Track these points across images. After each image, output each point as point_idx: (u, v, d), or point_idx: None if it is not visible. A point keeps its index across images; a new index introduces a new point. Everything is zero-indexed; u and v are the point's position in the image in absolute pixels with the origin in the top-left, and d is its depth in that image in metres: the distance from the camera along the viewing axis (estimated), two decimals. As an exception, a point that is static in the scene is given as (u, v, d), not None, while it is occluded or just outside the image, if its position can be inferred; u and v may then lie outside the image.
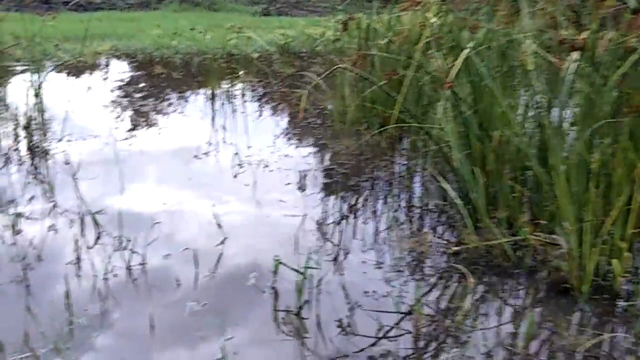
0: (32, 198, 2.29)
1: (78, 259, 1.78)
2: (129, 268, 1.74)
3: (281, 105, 4.14)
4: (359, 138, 3.30)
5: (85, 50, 6.00)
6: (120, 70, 5.39)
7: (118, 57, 6.13)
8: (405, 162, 2.89)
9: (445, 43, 2.42)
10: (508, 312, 1.61)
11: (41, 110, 3.22)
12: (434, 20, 2.02)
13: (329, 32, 6.35)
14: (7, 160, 2.73)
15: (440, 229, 2.13)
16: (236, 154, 2.91)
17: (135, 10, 11.97)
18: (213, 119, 3.71)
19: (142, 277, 1.70)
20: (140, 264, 1.76)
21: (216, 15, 10.51)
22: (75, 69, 5.28)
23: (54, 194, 2.33)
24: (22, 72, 4.85)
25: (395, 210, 2.28)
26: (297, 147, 3.13)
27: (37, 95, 3.16)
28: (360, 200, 2.41)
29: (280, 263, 1.68)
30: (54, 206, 2.21)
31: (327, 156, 2.99)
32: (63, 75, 5.01)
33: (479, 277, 1.76)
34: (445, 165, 2.30)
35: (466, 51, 1.76)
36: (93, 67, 5.44)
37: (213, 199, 2.32)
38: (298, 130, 3.49)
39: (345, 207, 2.32)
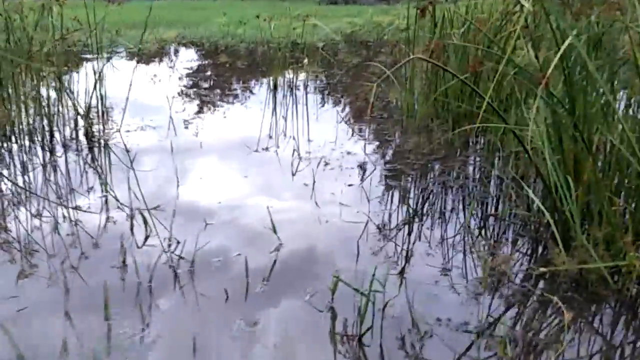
0: (86, 190, 2.20)
1: (124, 261, 1.65)
2: (176, 274, 1.60)
3: (345, 97, 3.93)
4: (429, 135, 3.05)
5: (150, 37, 6.01)
6: (185, 58, 5.34)
7: (184, 45, 6.10)
8: (483, 164, 2.62)
9: (536, 32, 2.14)
10: (607, 352, 1.35)
11: (102, 99, 3.16)
12: (527, 5, 1.74)
13: (398, 21, 6.08)
14: (66, 150, 2.67)
15: (524, 245, 1.87)
16: (296, 149, 2.74)
17: (204, -1, 12.07)
18: (274, 110, 3.55)
19: (189, 286, 1.55)
20: (189, 270, 1.61)
21: (283, 4, 10.38)
22: (140, 56, 5.27)
23: (108, 187, 2.23)
24: (86, 59, 4.87)
25: (471, 220, 2.04)
26: (360, 143, 2.92)
27: (98, 83, 3.09)
28: (430, 206, 2.18)
29: (340, 280, 1.49)
30: (106, 200, 2.10)
31: (394, 154, 2.76)
32: (128, 62, 5.01)
33: (571, 306, 1.51)
34: (531, 170, 2.03)
35: (567, 41, 1.49)
36: (158, 55, 5.42)
37: (269, 199, 2.15)
38: (363, 124, 3.28)
39: (412, 214, 2.09)
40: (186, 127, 3.11)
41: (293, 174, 2.43)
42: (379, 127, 3.23)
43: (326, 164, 2.55)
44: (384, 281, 1.52)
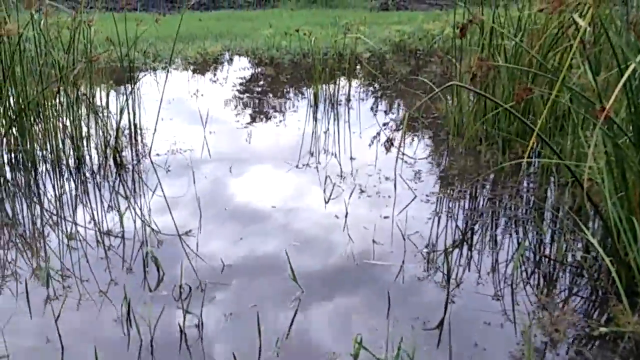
0: (109, 218, 2.11)
1: (128, 311, 1.52)
2: (181, 330, 1.46)
3: (390, 113, 3.73)
4: (477, 158, 2.81)
5: (192, 52, 5.99)
6: (228, 72, 5.27)
7: (229, 59, 6.05)
8: (535, 194, 2.37)
9: (595, 46, 1.89)
10: None
11: (134, 119, 3.09)
12: (582, 24, 1.51)
13: (448, 29, 5.82)
14: (94, 175, 2.60)
15: (581, 297, 1.63)
16: (330, 173, 2.57)
17: (254, 9, 12.10)
18: (314, 128, 3.39)
19: (197, 346, 1.41)
20: (196, 326, 1.47)
21: (332, 12, 10.25)
22: (184, 71, 5.25)
23: (130, 217, 2.13)
24: (123, 76, 4.87)
25: (521, 261, 1.81)
26: (402, 165, 2.71)
27: (130, 102, 3.02)
28: (476, 243, 1.96)
29: (363, 347, 1.30)
30: (123, 234, 2.00)
31: (438, 179, 2.55)
32: (170, 76, 4.98)
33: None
34: (590, 207, 1.79)
35: (631, 67, 1.26)
36: (201, 69, 5.38)
37: (296, 235, 1.99)
38: (406, 143, 3.08)
39: (456, 253, 1.88)
40: (220, 149, 2.99)
41: (326, 202, 2.26)
42: (424, 147, 3.02)
43: (362, 191, 2.37)
44: (412, 349, 1.33)
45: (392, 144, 1.80)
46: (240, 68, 5.51)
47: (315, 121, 3.57)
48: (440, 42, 6.53)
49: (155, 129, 3.03)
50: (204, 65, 5.62)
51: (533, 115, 2.80)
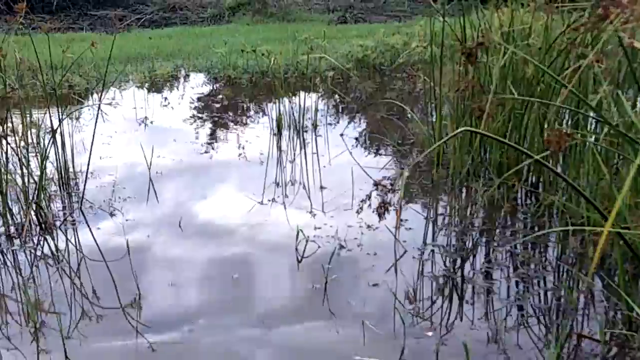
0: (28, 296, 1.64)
1: None
2: None
3: (360, 139, 3.35)
4: (468, 194, 2.45)
5: (138, 75, 5.50)
6: (181, 96, 4.80)
7: (178, 81, 5.57)
8: (544, 242, 2.01)
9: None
10: None
11: (64, 162, 2.60)
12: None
13: (415, 43, 5.51)
14: (9, 240, 2.11)
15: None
16: (300, 224, 2.15)
17: (207, 25, 11.63)
18: (279, 163, 2.98)
19: None
20: None
21: (290, 26, 9.89)
22: (128, 97, 4.75)
23: (42, 304, 1.67)
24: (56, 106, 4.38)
25: (543, 342, 1.44)
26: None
27: (55, 141, 2.54)
28: (480, 314, 1.58)
29: None
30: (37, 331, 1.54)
31: (425, 226, 2.17)
32: (115, 103, 4.49)
33: None
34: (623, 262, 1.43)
35: None
36: (150, 94, 4.89)
37: (263, 317, 1.57)
38: (383, 179, 2.70)
39: (459, 331, 1.49)
40: (168, 192, 2.55)
41: (297, 269, 1.85)
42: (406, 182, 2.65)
43: (341, 246, 1.96)
44: None
45: (386, 210, 1.41)
46: (193, 91, 5.06)
47: (280, 151, 3.15)
48: (404, 57, 6.23)
49: (87, 174, 2.55)
50: (152, 88, 5.14)
51: (522, 137, 2.44)
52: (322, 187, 2.56)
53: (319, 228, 2.11)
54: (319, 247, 1.96)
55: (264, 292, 1.71)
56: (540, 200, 2.27)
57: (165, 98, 4.71)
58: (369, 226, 2.13)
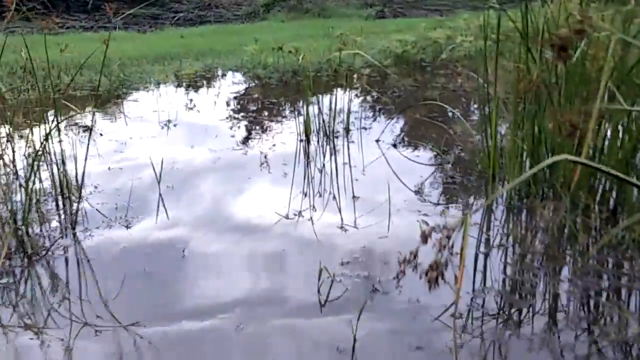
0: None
1: None
2: None
3: (400, 148, 2.96)
4: (531, 214, 2.03)
5: (160, 75, 5.21)
6: (202, 99, 4.48)
7: (207, 81, 5.27)
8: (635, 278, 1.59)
9: None
10: None
11: (63, 175, 2.30)
12: None
13: (461, 37, 5.05)
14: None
15: None
16: (325, 257, 1.78)
17: (242, 22, 11.36)
18: (305, 175, 2.62)
19: None
20: None
21: (325, 22, 9.52)
22: (151, 98, 4.47)
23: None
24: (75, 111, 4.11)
25: None
26: (423, 229, 1.93)
27: (52, 151, 2.23)
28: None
29: None
30: None
31: (475, 260, 1.76)
32: (133, 106, 4.20)
33: None
34: None
35: None
36: (174, 96, 4.60)
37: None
38: (427, 191, 2.30)
39: None
40: (180, 210, 2.21)
41: (321, 304, 1.48)
42: (450, 192, 2.24)
43: (375, 289, 1.58)
44: None
45: (439, 276, 1.03)
46: (219, 92, 4.74)
47: (307, 160, 2.79)
48: (447, 53, 5.77)
49: (81, 190, 2.23)
50: (177, 89, 4.85)
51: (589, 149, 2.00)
52: (354, 208, 2.18)
53: (347, 263, 1.74)
54: (346, 289, 1.58)
55: (276, 342, 1.35)
56: (620, 225, 1.84)
57: (191, 100, 4.40)
58: (409, 261, 1.74)
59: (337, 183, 2.46)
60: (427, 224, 1.97)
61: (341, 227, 2.00)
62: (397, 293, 1.56)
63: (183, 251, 1.86)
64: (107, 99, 4.45)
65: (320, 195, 2.33)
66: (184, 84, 5.04)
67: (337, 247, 1.86)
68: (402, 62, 5.74)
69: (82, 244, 1.95)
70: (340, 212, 2.14)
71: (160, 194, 2.36)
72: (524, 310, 1.48)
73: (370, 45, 6.40)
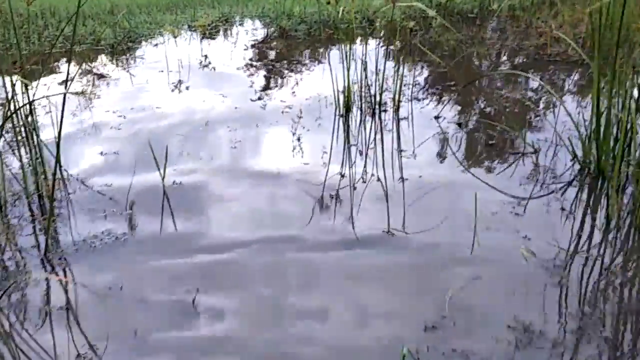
0: None
1: None
2: None
3: (469, 131, 2.35)
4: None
5: (170, 28, 4.56)
6: (216, 56, 3.85)
7: (224, 33, 4.63)
8: None
9: None
10: None
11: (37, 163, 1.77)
12: None
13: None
14: None
15: None
16: (371, 301, 1.24)
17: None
18: (345, 149, 2.05)
19: None
20: None
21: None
22: (160, 55, 3.86)
23: None
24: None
25: None
26: (493, 235, 1.38)
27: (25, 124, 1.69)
28: None
29: None
30: None
31: (566, 275, 1.21)
32: (140, 63, 3.61)
33: None
34: None
35: None
36: (186, 52, 3.98)
37: None
38: (494, 174, 1.73)
39: None
40: (187, 220, 1.67)
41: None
42: (550, 208, 1.67)
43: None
44: None
45: None
46: (237, 45, 4.11)
47: (347, 143, 2.21)
48: (497, 2, 5.03)
49: (52, 190, 1.70)
50: (190, 43, 4.23)
51: None
52: (412, 218, 1.62)
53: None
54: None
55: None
56: None
57: (205, 57, 3.79)
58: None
59: (385, 183, 1.89)
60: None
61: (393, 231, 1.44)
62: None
63: (193, 300, 1.33)
64: (112, 53, 3.86)
65: (355, 200, 1.76)
66: (197, 36, 4.41)
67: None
68: (445, 12, 5.02)
69: (51, 262, 1.42)
70: (404, 229, 1.58)
71: (163, 190, 1.82)
72: None
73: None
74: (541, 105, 2.47)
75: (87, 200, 1.79)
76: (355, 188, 1.83)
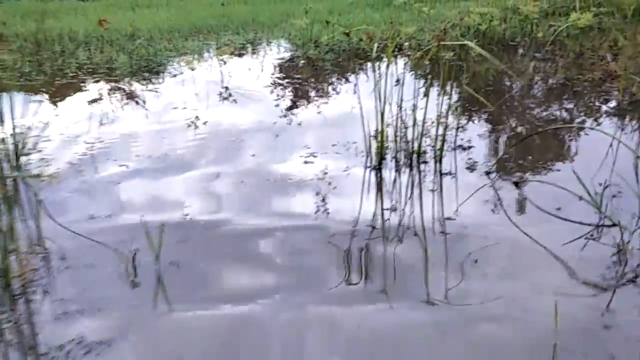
0: None
1: None
2: None
3: (528, 190, 1.98)
4: None
5: (189, 59, 4.29)
6: (234, 93, 3.54)
7: (243, 64, 4.34)
8: None
9: None
10: None
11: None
12: None
13: (575, 14, 3.95)
14: None
15: None
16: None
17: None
18: (378, 209, 1.70)
19: None
20: None
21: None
22: (177, 88, 3.58)
23: None
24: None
25: None
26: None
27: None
28: None
29: None
30: None
31: None
32: (153, 99, 3.34)
33: None
34: None
35: None
36: (205, 83, 3.69)
37: None
38: (563, 250, 1.36)
39: None
40: (181, 292, 1.35)
41: None
42: (602, 275, 1.30)
43: None
44: None
45: None
46: (260, 75, 3.82)
47: (380, 200, 1.86)
48: (542, 30, 4.66)
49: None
50: (210, 75, 3.95)
51: None
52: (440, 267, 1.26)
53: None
54: None
55: None
56: None
57: (226, 88, 3.50)
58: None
59: (424, 250, 1.53)
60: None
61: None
62: None
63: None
64: (117, 87, 3.60)
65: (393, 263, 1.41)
66: (218, 67, 4.13)
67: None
68: (484, 39, 4.67)
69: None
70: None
71: (158, 264, 1.49)
72: None
73: (437, 16, 5.35)
74: (618, 164, 2.08)
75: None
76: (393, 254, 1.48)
